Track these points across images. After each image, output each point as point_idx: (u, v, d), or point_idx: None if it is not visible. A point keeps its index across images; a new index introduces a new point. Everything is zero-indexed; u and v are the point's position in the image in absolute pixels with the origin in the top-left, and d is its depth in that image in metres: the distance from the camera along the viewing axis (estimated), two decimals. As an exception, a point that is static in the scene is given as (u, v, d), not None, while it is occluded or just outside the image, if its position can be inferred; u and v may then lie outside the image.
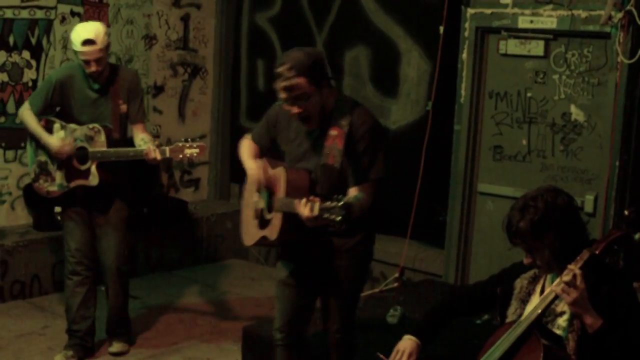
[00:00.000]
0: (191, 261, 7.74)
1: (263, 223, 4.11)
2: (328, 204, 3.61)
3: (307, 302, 4.29)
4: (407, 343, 3.71)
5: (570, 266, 3.22)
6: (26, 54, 6.82)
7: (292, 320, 4.30)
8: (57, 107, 5.36)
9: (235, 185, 8.21)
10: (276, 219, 3.99)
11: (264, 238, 4.10)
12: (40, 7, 6.85)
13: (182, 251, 7.67)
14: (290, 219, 3.86)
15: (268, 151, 4.31)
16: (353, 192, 3.94)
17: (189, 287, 7.14)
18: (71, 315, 5.50)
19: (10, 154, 6.83)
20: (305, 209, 3.69)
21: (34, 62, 6.87)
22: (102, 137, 5.22)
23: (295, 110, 3.90)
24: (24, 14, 6.76)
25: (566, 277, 3.19)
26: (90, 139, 5.24)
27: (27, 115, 5.33)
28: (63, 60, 6.99)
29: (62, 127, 5.29)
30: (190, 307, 6.67)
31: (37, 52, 6.87)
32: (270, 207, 4.07)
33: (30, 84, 6.83)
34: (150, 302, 6.69)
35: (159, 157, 5.15)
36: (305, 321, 4.35)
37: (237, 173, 6.22)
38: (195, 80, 8.17)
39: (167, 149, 5.21)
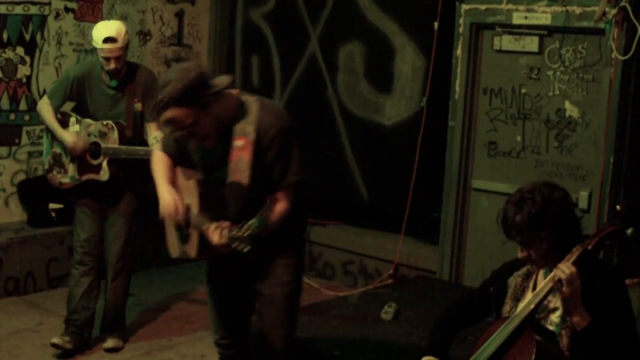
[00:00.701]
0: (186, 258, 7.71)
1: (184, 237, 3.93)
2: (235, 232, 3.49)
3: (240, 311, 4.16)
4: None
5: (563, 262, 3.23)
6: (20, 50, 6.80)
7: (230, 330, 4.18)
8: (75, 102, 5.46)
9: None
10: (194, 237, 3.82)
11: (184, 253, 3.96)
12: (34, 3, 6.83)
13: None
14: (206, 239, 3.69)
15: (179, 161, 4.02)
16: (269, 201, 3.76)
17: (183, 283, 7.14)
18: (72, 305, 5.53)
19: (4, 150, 6.82)
20: (215, 235, 3.59)
21: (27, 58, 6.85)
22: (115, 134, 5.33)
23: (189, 139, 3.73)
24: (18, 9, 6.74)
25: (561, 271, 3.20)
26: (103, 134, 5.34)
27: (45, 109, 5.43)
28: (57, 57, 6.98)
29: (78, 122, 5.39)
30: (185, 303, 6.67)
31: (31, 48, 6.85)
32: (187, 223, 3.85)
33: (24, 80, 6.82)
34: (145, 299, 6.69)
35: None
36: (242, 330, 4.21)
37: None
38: (189, 77, 8.14)
39: None
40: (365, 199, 7.24)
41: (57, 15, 6.98)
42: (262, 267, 3.94)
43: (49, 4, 6.93)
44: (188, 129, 3.64)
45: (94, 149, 5.37)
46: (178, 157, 3.99)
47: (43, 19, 6.91)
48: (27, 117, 6.83)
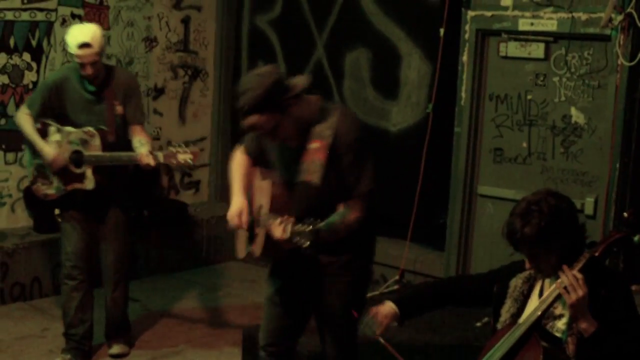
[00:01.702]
0: (191, 263, 7.73)
1: (252, 237, 3.97)
2: (299, 227, 3.51)
3: (292, 322, 4.13)
4: (385, 307, 3.60)
5: (571, 269, 3.22)
6: (27, 56, 6.82)
7: (276, 340, 4.15)
8: (53, 110, 5.32)
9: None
10: (260, 235, 3.86)
11: (251, 253, 3.98)
12: (40, 10, 6.85)
13: (183, 253, 7.66)
14: (272, 238, 3.72)
15: (260, 161, 4.09)
16: (340, 209, 3.76)
17: (189, 289, 7.14)
18: (68, 319, 5.48)
19: (10, 156, 6.83)
20: (278, 229, 3.60)
21: (34, 64, 6.86)
22: (97, 141, 5.20)
23: (272, 140, 3.81)
24: (25, 16, 6.76)
25: (567, 278, 3.19)
26: (85, 142, 5.22)
27: (24, 120, 5.33)
28: (64, 62, 6.98)
29: (58, 130, 5.27)
30: (190, 309, 6.66)
31: (37, 54, 6.87)
32: (258, 222, 3.92)
33: (30, 86, 6.82)
34: (150, 305, 6.69)
35: (152, 163, 5.15)
36: (290, 342, 4.19)
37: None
38: (195, 83, 8.17)
39: (161, 154, 5.20)
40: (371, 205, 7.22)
41: (64, 22, 6.99)
42: (327, 282, 3.91)
43: (56, 10, 6.95)
44: (272, 133, 3.72)
45: (77, 158, 5.23)
46: (259, 156, 4.05)
47: (49, 25, 6.92)
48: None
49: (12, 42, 6.70)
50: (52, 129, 5.28)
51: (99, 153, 5.20)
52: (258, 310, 6.58)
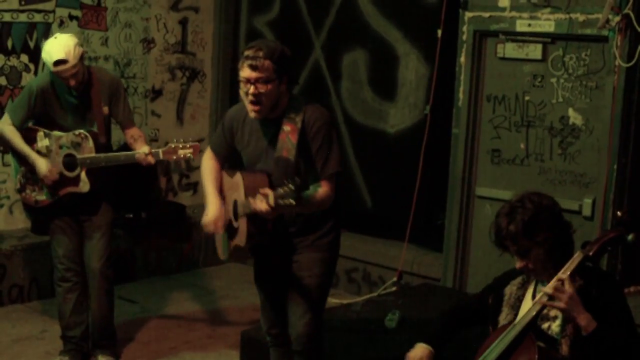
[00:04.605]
0: (189, 265, 7.73)
1: (232, 233, 4.18)
2: (280, 191, 3.68)
3: (282, 303, 4.35)
4: (418, 350, 3.68)
5: (560, 273, 3.25)
6: (24, 58, 6.82)
7: (276, 321, 4.43)
8: (38, 116, 5.26)
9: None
10: (242, 225, 4.07)
11: (235, 248, 4.17)
12: (38, 11, 6.85)
13: (180, 255, 7.67)
14: (255, 221, 3.97)
15: (228, 160, 4.41)
16: (312, 187, 4.02)
17: (187, 291, 7.14)
18: (64, 322, 5.46)
19: (8, 157, 6.81)
20: (261, 203, 3.77)
21: (32, 66, 6.87)
22: (90, 143, 5.15)
23: (251, 90, 3.96)
24: (23, 17, 6.76)
25: (553, 284, 3.22)
26: (77, 145, 5.18)
27: (9, 131, 5.24)
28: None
29: (46, 135, 5.23)
30: (188, 311, 6.66)
31: (35, 55, 6.87)
32: (235, 216, 4.13)
33: (28, 87, 6.83)
34: (148, 307, 6.69)
35: (152, 161, 5.15)
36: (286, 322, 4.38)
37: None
38: (193, 84, 8.17)
39: (160, 151, 5.18)
40: (369, 207, 7.24)
41: (62, 23, 7.00)
42: (297, 259, 4.20)
43: (53, 12, 6.95)
44: (260, 85, 3.94)
45: (69, 161, 5.19)
46: (228, 155, 4.37)
47: (47, 26, 6.92)
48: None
49: (9, 43, 6.71)
50: (40, 134, 5.24)
51: (94, 155, 5.16)
52: (256, 312, 6.56)
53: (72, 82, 5.06)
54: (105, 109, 5.28)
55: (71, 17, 7.05)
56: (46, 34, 6.89)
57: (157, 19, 7.74)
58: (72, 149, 5.19)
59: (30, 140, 5.24)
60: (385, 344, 5.12)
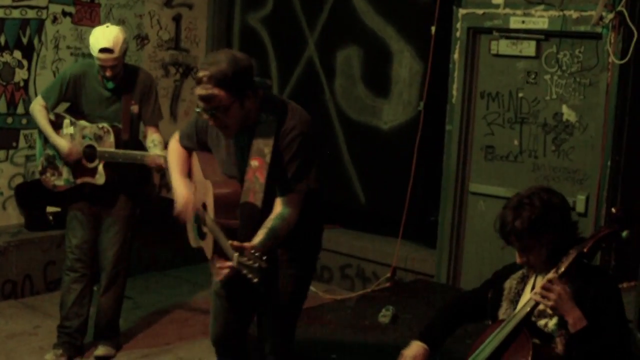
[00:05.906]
0: (183, 261, 7.71)
1: (200, 230, 4.03)
2: (246, 260, 3.43)
3: (240, 316, 4.16)
4: (413, 348, 3.66)
5: (551, 272, 3.25)
6: (17, 54, 6.80)
7: (224, 334, 4.18)
8: (68, 103, 5.38)
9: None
10: (209, 239, 3.88)
11: (202, 249, 4.01)
12: (31, 7, 6.83)
13: (174, 251, 7.65)
14: (221, 254, 3.70)
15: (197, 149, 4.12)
16: (277, 207, 3.72)
17: (181, 286, 7.14)
18: (64, 311, 5.48)
19: (1, 153, 6.82)
20: (219, 274, 3.62)
21: (25, 62, 6.85)
22: (111, 138, 5.23)
23: (211, 122, 3.70)
24: (16, 13, 6.74)
25: (543, 283, 3.23)
26: (99, 138, 5.26)
27: (38, 111, 5.33)
28: (54, 60, 6.99)
29: (72, 124, 5.31)
30: (182, 306, 6.66)
31: (28, 52, 6.86)
32: (203, 220, 3.94)
33: (21, 83, 6.82)
34: (142, 302, 6.69)
35: (163, 164, 5.18)
36: (240, 335, 4.21)
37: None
38: (187, 80, 8.16)
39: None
40: (363, 203, 7.25)
41: (55, 19, 6.98)
42: (269, 275, 3.84)
43: (47, 8, 6.93)
44: (217, 113, 3.62)
45: (89, 152, 5.28)
46: (196, 149, 4.07)
47: (40, 22, 6.91)
48: (24, 121, 6.82)
49: (2, 39, 6.69)
50: (66, 121, 5.32)
51: (112, 149, 5.23)
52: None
53: (109, 73, 5.16)
54: (135, 108, 5.36)
55: (65, 14, 7.04)
56: (39, 30, 6.88)
57: (150, 15, 7.74)
58: (94, 140, 5.27)
59: (57, 126, 5.32)
60: (378, 340, 5.13)
